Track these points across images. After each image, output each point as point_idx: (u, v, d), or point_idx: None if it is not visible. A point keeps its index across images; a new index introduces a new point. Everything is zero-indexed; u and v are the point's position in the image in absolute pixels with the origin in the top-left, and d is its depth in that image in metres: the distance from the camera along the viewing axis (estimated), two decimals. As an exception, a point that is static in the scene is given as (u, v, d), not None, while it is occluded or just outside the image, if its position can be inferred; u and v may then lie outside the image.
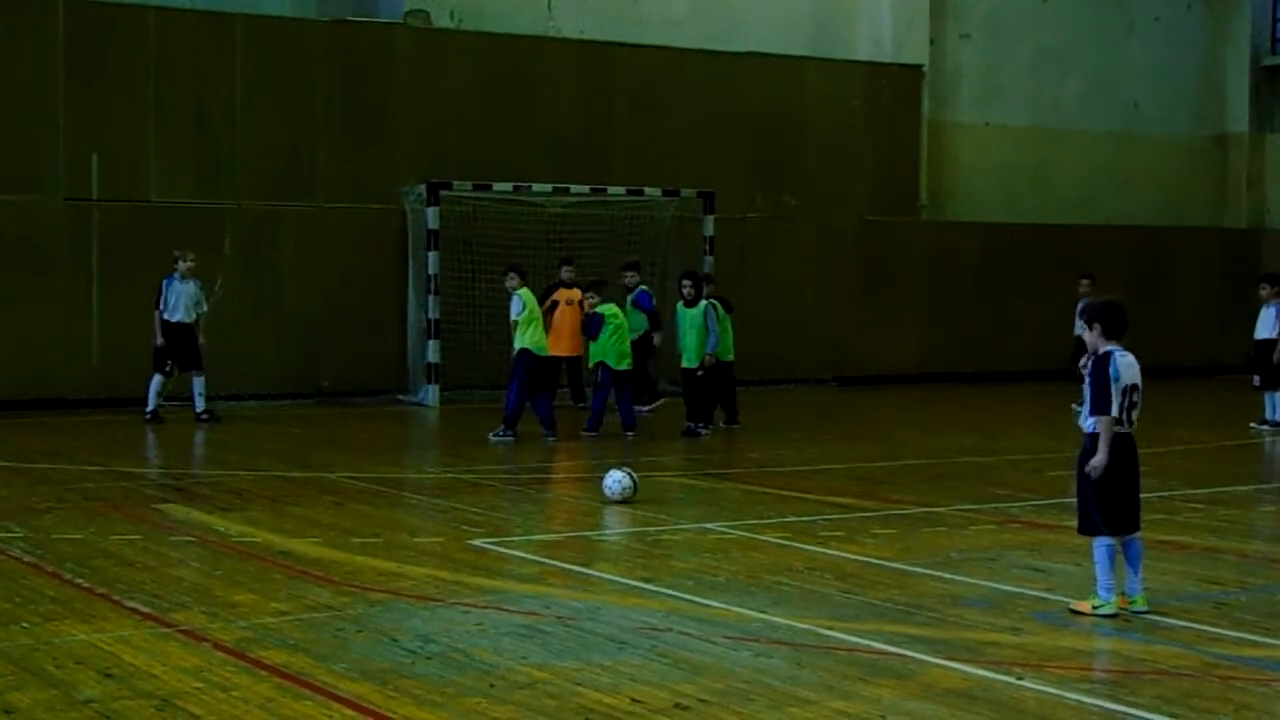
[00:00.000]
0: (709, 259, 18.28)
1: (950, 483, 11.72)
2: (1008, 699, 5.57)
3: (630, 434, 13.97)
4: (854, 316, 20.47)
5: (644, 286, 16.50)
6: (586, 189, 18.05)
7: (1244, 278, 22.65)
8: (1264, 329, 15.63)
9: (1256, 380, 15.63)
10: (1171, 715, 5.38)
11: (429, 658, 6.06)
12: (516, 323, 13.55)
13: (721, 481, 11.51)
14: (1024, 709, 5.46)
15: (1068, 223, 22.57)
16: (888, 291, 20.76)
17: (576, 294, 14.65)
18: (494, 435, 13.57)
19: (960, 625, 6.76)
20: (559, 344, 14.52)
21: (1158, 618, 6.90)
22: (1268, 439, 14.90)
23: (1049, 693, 5.64)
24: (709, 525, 9.39)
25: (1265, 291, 15.90)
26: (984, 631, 6.65)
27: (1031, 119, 22.90)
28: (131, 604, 6.97)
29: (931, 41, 21.69)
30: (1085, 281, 17.67)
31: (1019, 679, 5.83)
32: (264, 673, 5.81)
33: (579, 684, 5.68)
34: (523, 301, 13.56)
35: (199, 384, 15.03)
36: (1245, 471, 13.02)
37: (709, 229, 18.62)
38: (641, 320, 15.98)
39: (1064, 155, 23.05)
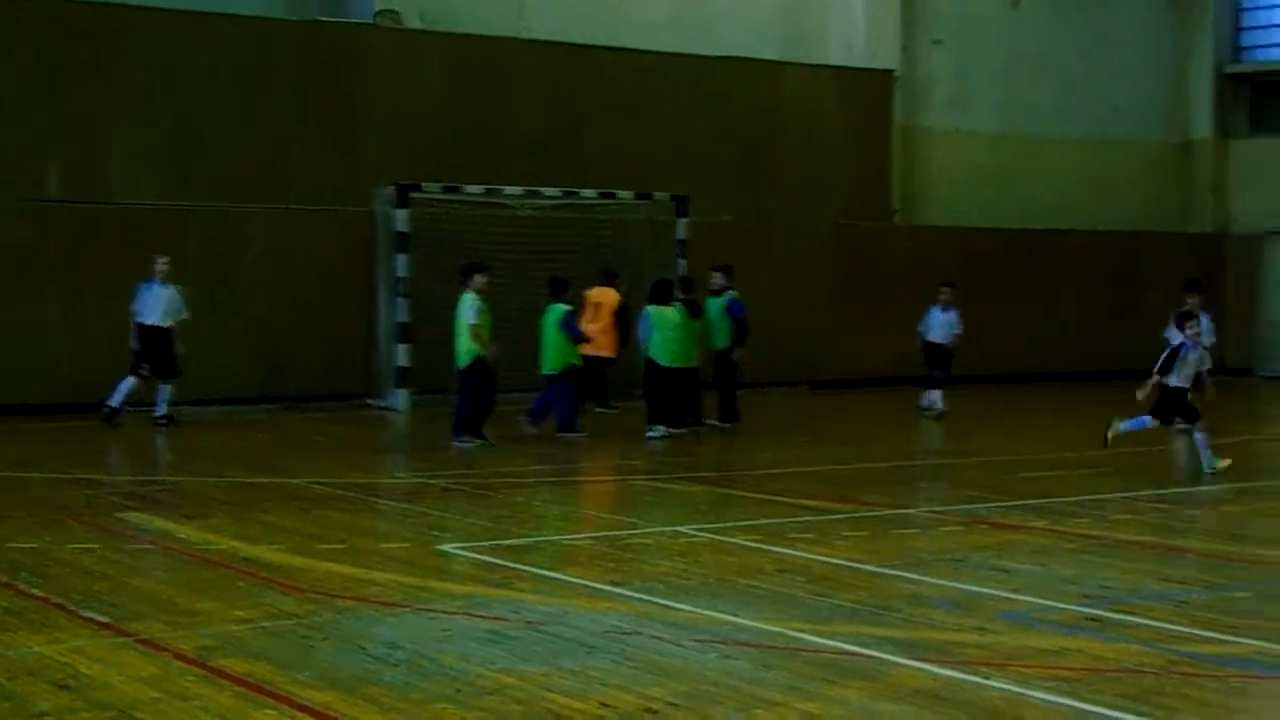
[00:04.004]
0: (682, 262, 18.25)
1: (922, 485, 11.73)
2: (975, 698, 5.57)
3: (565, 435, 13.90)
4: (828, 320, 20.48)
5: (734, 293, 15.03)
6: (558, 192, 18.01)
7: (1211, 282, 22.79)
8: (936, 332, 16.46)
9: (938, 374, 16.51)
10: (1134, 713, 5.38)
11: (395, 665, 6.00)
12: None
13: (693, 484, 11.48)
14: (991, 708, 5.45)
15: (1041, 227, 22.66)
16: (862, 295, 20.78)
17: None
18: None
19: (928, 625, 6.76)
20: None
21: (1120, 616, 6.93)
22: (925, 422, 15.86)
23: (1015, 691, 5.63)
24: (680, 528, 9.36)
25: (945, 295, 16.46)
26: (951, 632, 6.64)
27: (1003, 124, 22.99)
28: (88, 613, 6.85)
29: (903, 47, 21.74)
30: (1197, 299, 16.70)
31: (985, 678, 5.82)
32: (225, 682, 5.73)
33: (547, 689, 5.63)
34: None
35: (165, 390, 14.95)
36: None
37: (681, 232, 18.60)
38: (727, 330, 14.84)
39: (1036, 160, 23.15)
